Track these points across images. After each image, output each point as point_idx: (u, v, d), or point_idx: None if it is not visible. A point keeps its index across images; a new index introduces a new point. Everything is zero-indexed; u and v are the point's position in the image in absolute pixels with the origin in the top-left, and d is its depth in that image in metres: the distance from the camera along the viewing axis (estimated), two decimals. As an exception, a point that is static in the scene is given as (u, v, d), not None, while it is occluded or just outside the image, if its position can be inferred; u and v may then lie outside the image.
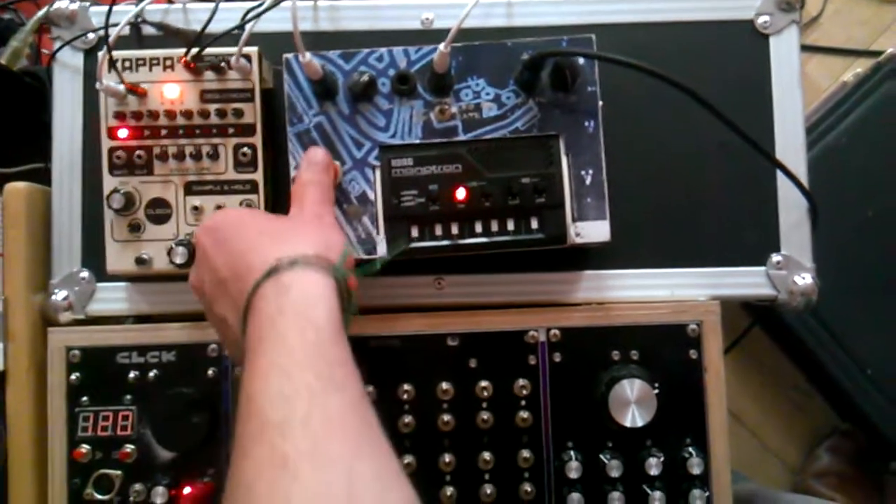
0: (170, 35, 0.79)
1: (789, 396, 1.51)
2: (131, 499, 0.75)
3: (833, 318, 1.35)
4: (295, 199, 0.69)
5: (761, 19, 0.81)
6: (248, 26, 0.72)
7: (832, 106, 1.40)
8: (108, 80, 0.73)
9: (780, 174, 0.78)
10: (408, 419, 0.76)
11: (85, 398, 0.77)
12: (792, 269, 0.79)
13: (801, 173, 0.78)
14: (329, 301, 0.56)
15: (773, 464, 1.50)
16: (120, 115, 0.75)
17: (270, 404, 0.49)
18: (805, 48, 0.83)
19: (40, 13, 0.88)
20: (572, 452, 0.76)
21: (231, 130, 0.75)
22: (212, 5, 0.80)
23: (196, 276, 0.66)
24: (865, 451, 1.47)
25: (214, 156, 0.75)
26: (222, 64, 0.74)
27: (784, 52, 0.81)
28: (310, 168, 0.70)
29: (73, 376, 0.77)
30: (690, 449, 0.76)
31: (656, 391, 0.74)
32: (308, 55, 0.69)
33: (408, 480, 0.50)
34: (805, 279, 0.79)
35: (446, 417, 0.76)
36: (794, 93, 0.81)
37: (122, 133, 0.75)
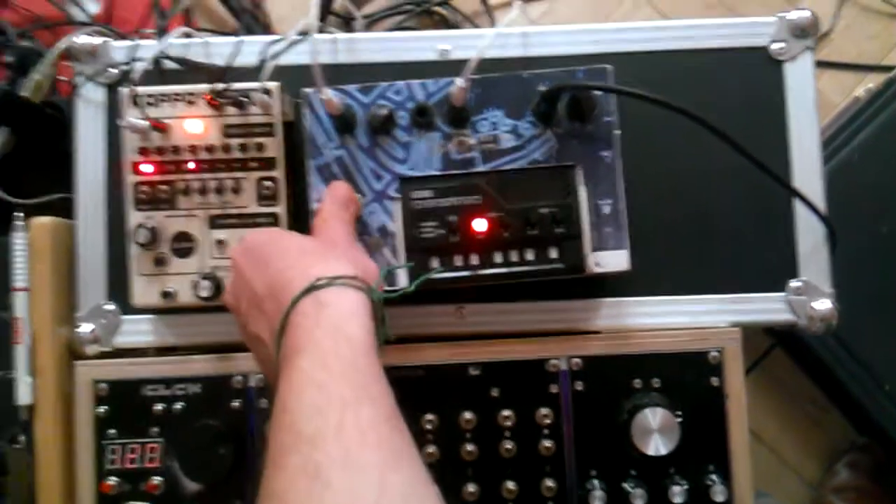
0: (191, 69, 0.80)
1: (807, 411, 1.50)
2: (159, 531, 0.76)
3: (850, 334, 1.34)
4: (319, 231, 0.70)
5: (776, 46, 0.82)
6: (269, 63, 0.73)
7: (844, 122, 1.40)
8: (131, 117, 0.74)
9: (797, 200, 0.79)
10: (431, 449, 0.76)
11: (112, 431, 0.78)
12: (811, 295, 0.80)
13: (818, 199, 0.79)
14: (364, 319, 0.57)
15: (791, 479, 1.49)
16: (143, 151, 0.76)
17: (304, 417, 0.49)
18: (816, 64, 0.84)
19: (60, 44, 0.90)
20: (596, 481, 0.76)
21: (253, 164, 0.76)
22: (231, 39, 0.81)
23: (232, 296, 0.67)
24: (884, 465, 1.46)
25: (237, 189, 0.76)
26: (244, 99, 0.75)
27: (799, 78, 0.81)
28: (334, 202, 0.71)
29: (100, 409, 0.78)
30: (713, 476, 0.76)
31: (679, 419, 0.74)
32: (328, 92, 0.70)
33: (438, 493, 0.50)
34: (824, 304, 0.79)
35: (469, 447, 0.76)
36: (810, 119, 0.81)
37: (146, 168, 0.76)
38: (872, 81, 1.49)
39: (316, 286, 0.57)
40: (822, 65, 1.52)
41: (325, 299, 0.56)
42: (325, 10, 1.22)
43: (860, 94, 1.46)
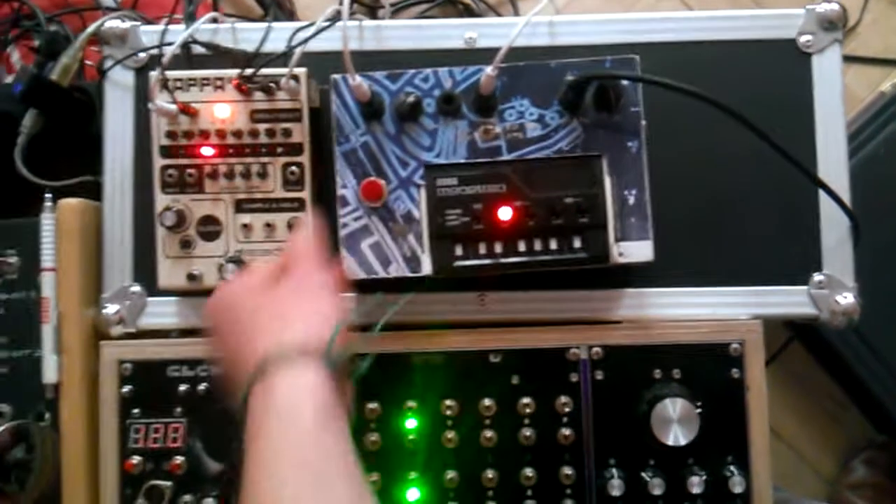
0: (219, 55, 0.81)
1: (825, 407, 1.50)
2: (181, 510, 0.77)
3: (871, 330, 1.33)
4: (287, 270, 0.67)
5: (804, 38, 0.81)
6: (298, 49, 0.73)
7: (870, 116, 1.39)
8: (160, 101, 0.75)
9: (822, 193, 0.78)
10: (451, 435, 0.77)
11: (136, 410, 0.79)
12: (834, 289, 0.80)
13: (844, 192, 0.79)
14: (316, 396, 0.55)
15: (808, 475, 1.49)
16: (171, 134, 0.77)
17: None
18: (843, 58, 0.83)
19: (89, 29, 0.90)
20: (614, 470, 0.77)
21: (280, 150, 0.77)
22: (259, 25, 0.82)
23: (212, 350, 0.66)
24: (902, 463, 1.46)
25: (263, 174, 0.77)
26: (271, 85, 0.76)
27: (826, 70, 0.81)
28: (299, 239, 0.71)
29: (124, 389, 0.79)
30: (732, 467, 0.76)
31: (698, 410, 0.74)
32: (357, 77, 0.70)
33: None
34: (847, 298, 0.79)
35: (489, 433, 0.77)
36: (837, 111, 0.81)
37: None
38: (899, 76, 1.48)
39: (263, 369, 0.56)
40: (848, 59, 1.50)
41: (272, 385, 0.55)
42: (352, -2, 1.22)
43: (886, 88, 1.44)
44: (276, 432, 0.53)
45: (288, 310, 0.61)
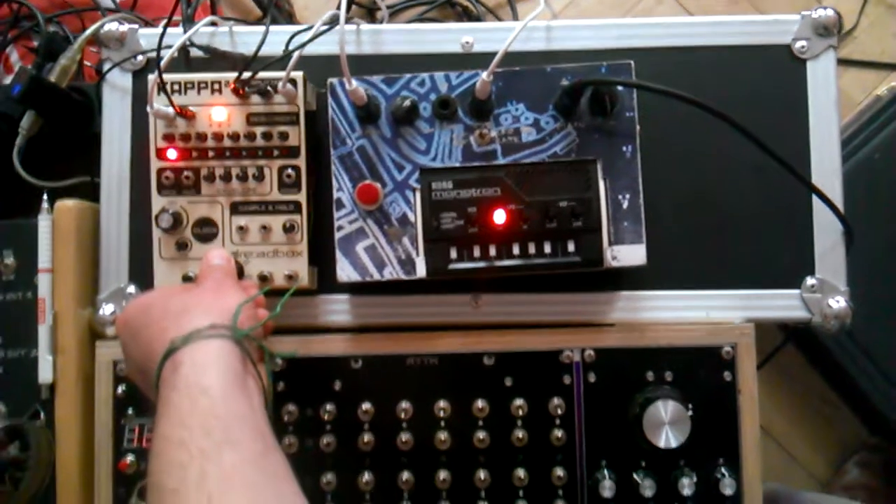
0: (216, 58, 0.81)
1: (818, 409, 1.50)
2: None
3: (865, 333, 1.34)
4: (200, 277, 0.73)
5: (798, 44, 0.82)
6: (295, 53, 0.74)
7: (866, 120, 1.39)
8: (158, 103, 0.75)
9: (815, 197, 0.79)
10: (443, 436, 0.77)
11: (131, 410, 0.79)
12: (826, 293, 0.80)
13: (837, 198, 0.79)
14: (222, 363, 0.57)
15: (800, 475, 1.49)
16: (169, 137, 0.77)
17: (166, 474, 0.51)
18: (839, 62, 0.84)
19: (87, 32, 0.91)
20: (606, 472, 0.77)
21: (276, 152, 0.77)
22: (256, 28, 0.82)
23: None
24: (895, 465, 1.46)
25: (260, 177, 0.77)
26: (268, 88, 0.76)
27: (821, 76, 0.82)
28: (215, 256, 0.73)
29: (119, 389, 0.79)
30: (723, 470, 0.77)
31: (690, 413, 0.75)
32: (354, 82, 0.71)
33: None
34: (839, 302, 0.80)
35: (481, 435, 0.77)
36: (831, 117, 0.81)
37: (171, 154, 0.78)
38: (895, 80, 1.49)
39: (171, 350, 0.58)
40: (844, 63, 1.51)
41: (179, 360, 0.57)
42: (350, 0, 1.23)
43: (882, 92, 1.45)
44: (182, 401, 0.54)
45: (195, 304, 0.65)
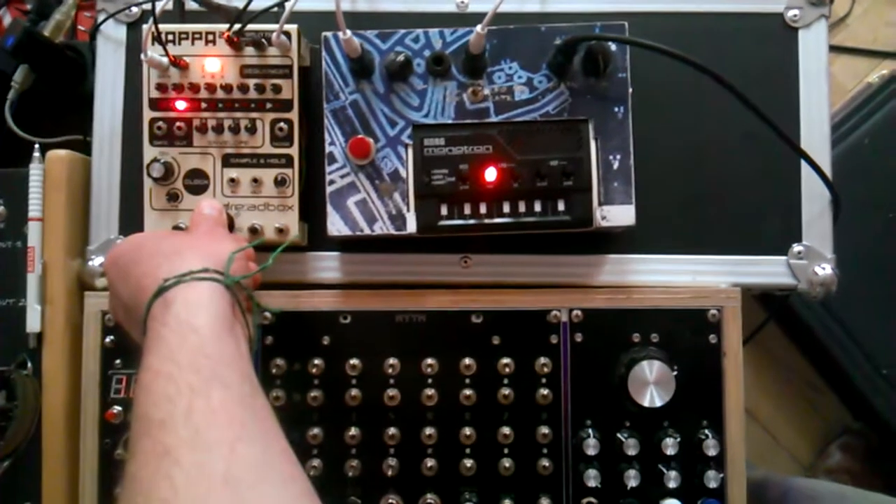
0: (211, 10, 0.81)
1: (802, 393, 1.51)
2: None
3: (851, 317, 1.36)
4: (192, 225, 0.73)
5: (791, 13, 0.82)
6: (288, 4, 0.74)
7: (856, 106, 1.40)
8: (152, 52, 0.75)
9: (804, 165, 0.80)
10: (430, 392, 0.77)
11: (118, 361, 0.79)
12: (812, 260, 0.81)
13: (825, 165, 0.80)
14: (213, 305, 0.58)
15: (784, 459, 1.51)
16: (162, 87, 0.77)
17: (154, 406, 0.51)
18: (831, 48, 0.84)
19: (83, -16, 0.91)
20: (590, 430, 0.78)
21: (269, 105, 0.77)
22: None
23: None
24: (877, 450, 1.48)
25: (252, 129, 0.77)
26: (262, 40, 0.76)
27: (812, 45, 0.82)
28: (207, 206, 0.75)
29: (107, 339, 0.79)
30: (707, 431, 0.77)
31: (675, 373, 0.75)
32: (348, 33, 0.71)
33: (296, 462, 0.52)
34: (825, 269, 0.80)
35: (468, 392, 0.78)
36: (821, 86, 0.82)
37: (164, 104, 0.77)
38: (886, 68, 1.50)
39: (164, 287, 0.58)
40: (836, 50, 1.52)
41: (171, 298, 0.57)
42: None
43: (873, 80, 1.46)
44: (172, 337, 0.55)
45: (188, 247, 0.65)
